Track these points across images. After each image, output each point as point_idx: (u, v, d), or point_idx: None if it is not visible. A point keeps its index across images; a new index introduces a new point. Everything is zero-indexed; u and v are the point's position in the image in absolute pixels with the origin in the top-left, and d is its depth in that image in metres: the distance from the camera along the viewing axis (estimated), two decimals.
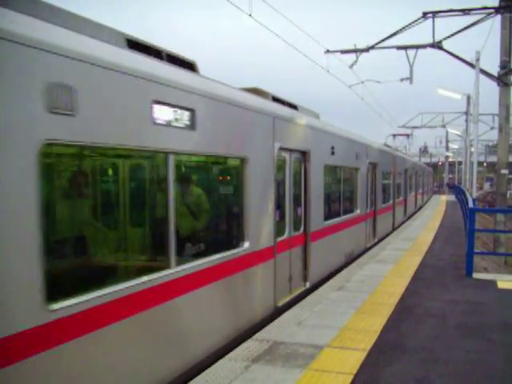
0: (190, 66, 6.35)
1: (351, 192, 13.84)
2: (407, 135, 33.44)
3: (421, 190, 35.91)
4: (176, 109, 5.47)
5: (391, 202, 20.38)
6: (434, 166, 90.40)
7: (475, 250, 12.33)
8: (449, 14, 18.63)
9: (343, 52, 20.28)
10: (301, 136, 9.48)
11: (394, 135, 32.81)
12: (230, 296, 6.83)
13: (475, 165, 23.84)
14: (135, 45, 5.40)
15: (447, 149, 75.24)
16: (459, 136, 58.32)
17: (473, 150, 27.37)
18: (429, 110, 50.18)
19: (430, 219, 25.75)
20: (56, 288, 3.99)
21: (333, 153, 11.35)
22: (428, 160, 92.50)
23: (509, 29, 19.42)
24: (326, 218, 10.98)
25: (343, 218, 12.60)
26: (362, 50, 20.13)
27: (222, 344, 6.47)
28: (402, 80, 20.82)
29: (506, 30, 19.45)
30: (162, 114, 5.26)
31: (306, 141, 9.66)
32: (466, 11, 18.52)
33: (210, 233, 7.20)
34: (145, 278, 5.01)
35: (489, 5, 18.33)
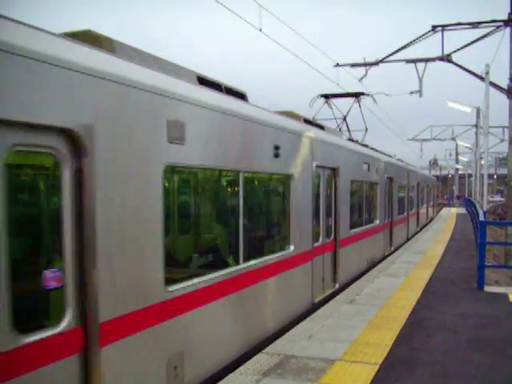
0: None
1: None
2: (358, 95, 17.53)
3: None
4: None
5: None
6: (444, 178, 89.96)
7: (486, 263, 12.26)
8: (458, 27, 18.68)
9: (353, 66, 20.35)
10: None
11: (327, 96, 16.93)
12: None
13: (485, 177, 23.78)
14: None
15: (457, 161, 74.97)
16: (469, 149, 58.19)
17: (483, 162, 27.29)
18: (438, 123, 49.83)
19: (440, 232, 25.62)
20: None
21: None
22: (438, 172, 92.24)
23: None
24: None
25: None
26: (372, 64, 20.18)
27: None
28: (411, 93, 20.79)
29: None
30: None
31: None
32: (474, 24, 18.54)
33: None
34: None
35: (498, 18, 18.36)
